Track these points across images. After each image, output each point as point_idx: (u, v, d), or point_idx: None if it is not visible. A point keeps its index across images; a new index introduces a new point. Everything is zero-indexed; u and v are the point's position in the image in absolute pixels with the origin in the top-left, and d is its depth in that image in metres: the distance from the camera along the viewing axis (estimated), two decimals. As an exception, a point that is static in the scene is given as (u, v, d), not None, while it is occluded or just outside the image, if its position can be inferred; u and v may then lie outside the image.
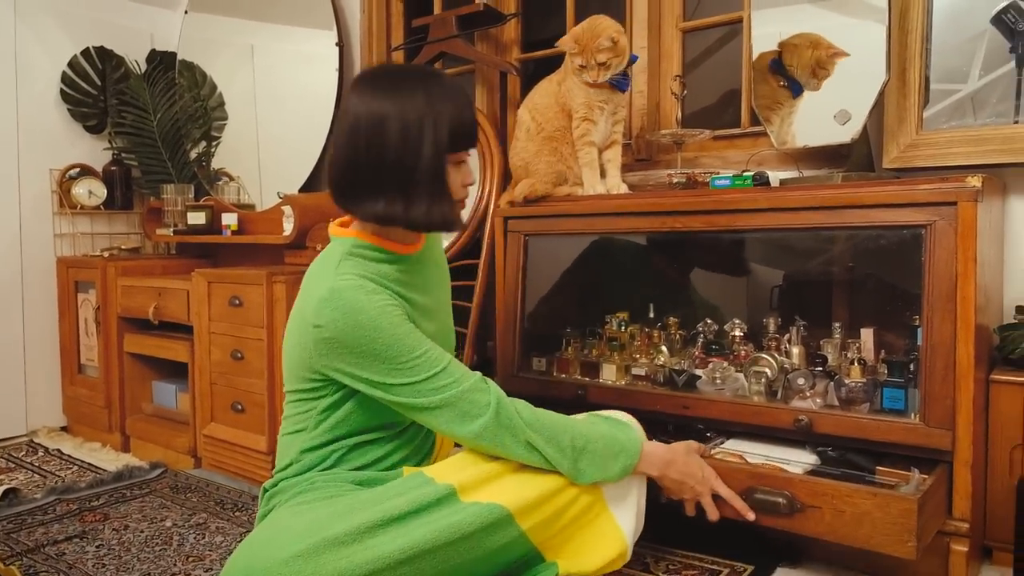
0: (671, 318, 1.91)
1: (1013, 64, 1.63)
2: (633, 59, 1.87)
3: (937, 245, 1.32)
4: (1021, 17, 1.62)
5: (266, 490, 1.39)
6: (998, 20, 1.64)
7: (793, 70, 1.84)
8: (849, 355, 1.61)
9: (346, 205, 1.30)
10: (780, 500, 1.27)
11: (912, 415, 1.40)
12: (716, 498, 1.35)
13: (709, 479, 1.35)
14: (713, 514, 1.36)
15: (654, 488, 1.37)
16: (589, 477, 1.24)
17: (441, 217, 1.27)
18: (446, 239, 2.34)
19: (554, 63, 2.48)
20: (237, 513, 2.27)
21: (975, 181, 1.31)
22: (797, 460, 1.45)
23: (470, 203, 2.27)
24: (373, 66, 1.45)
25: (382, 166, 1.23)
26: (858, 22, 1.70)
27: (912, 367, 1.46)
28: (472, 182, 1.33)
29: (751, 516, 1.32)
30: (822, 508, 1.24)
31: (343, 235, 1.33)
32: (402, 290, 1.31)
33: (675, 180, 1.84)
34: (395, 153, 1.22)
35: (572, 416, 1.36)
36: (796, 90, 1.85)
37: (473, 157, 2.31)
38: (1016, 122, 1.58)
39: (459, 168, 1.30)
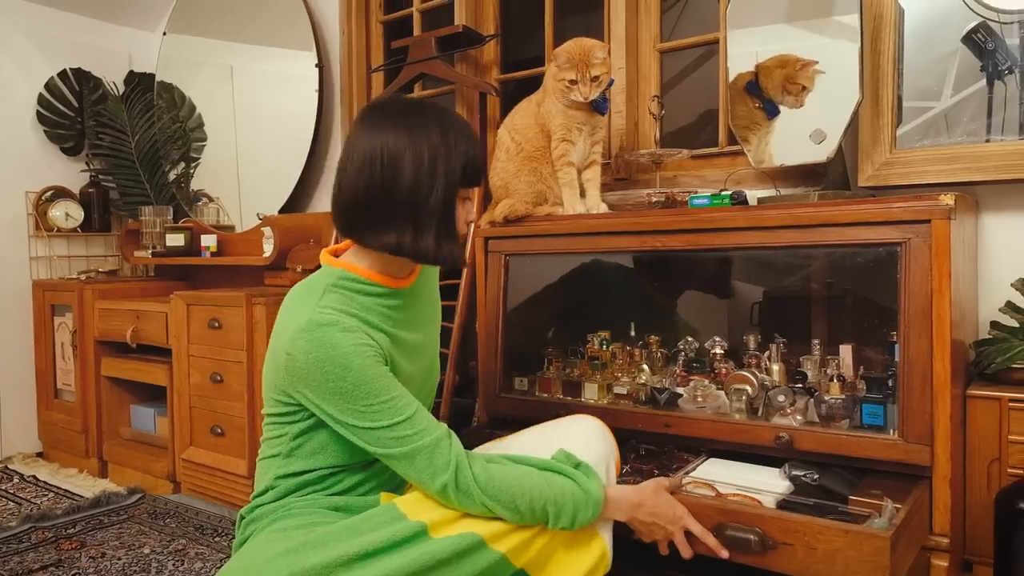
0: (652, 336, 1.91)
1: (984, 83, 1.66)
2: (610, 82, 1.88)
3: (912, 262, 1.34)
4: (991, 37, 1.66)
5: (243, 516, 1.38)
6: (968, 39, 1.68)
7: (768, 91, 1.87)
8: (828, 372, 1.63)
9: (355, 234, 1.30)
10: (751, 537, 1.25)
11: (891, 431, 1.41)
12: (689, 535, 1.32)
13: (681, 517, 1.31)
14: (686, 552, 1.32)
15: (626, 527, 1.35)
16: (552, 528, 1.23)
17: (449, 253, 1.29)
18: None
19: (533, 83, 2.49)
20: (217, 538, 2.24)
21: (948, 199, 1.32)
22: (770, 489, 1.44)
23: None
24: (382, 98, 1.49)
25: (394, 199, 1.24)
26: (832, 42, 1.73)
27: (890, 383, 1.47)
28: (474, 220, 1.34)
29: (725, 554, 1.29)
30: (794, 545, 1.22)
31: (333, 264, 1.33)
32: (386, 325, 1.30)
33: (654, 199, 1.85)
34: (409, 187, 1.24)
35: (535, 444, 1.34)
36: (771, 111, 1.87)
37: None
38: (987, 140, 1.62)
39: (464, 205, 1.32)
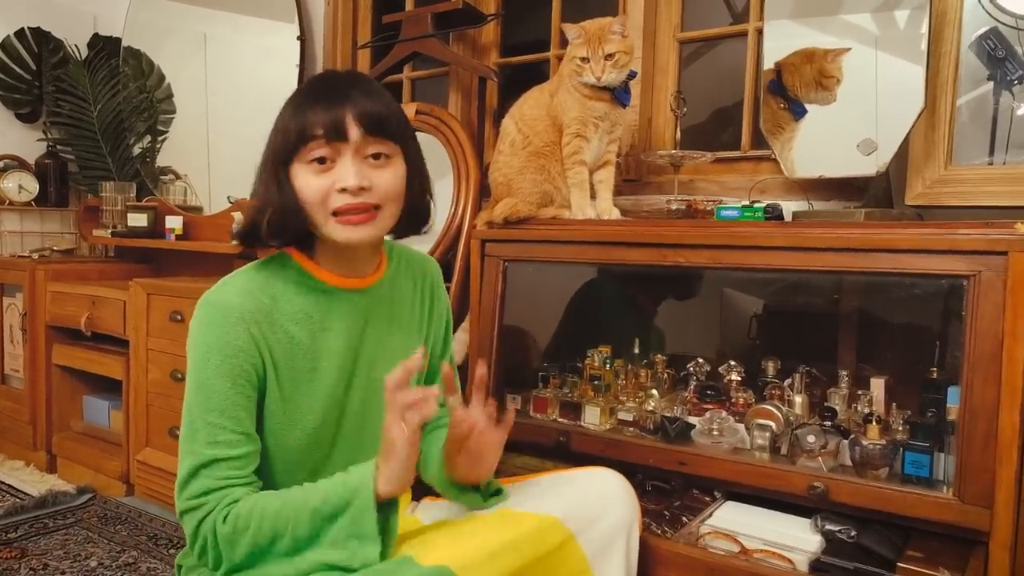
0: (658, 356, 1.74)
1: (983, 91, 1.50)
2: (632, 75, 1.69)
3: (982, 298, 1.17)
4: (1001, 43, 1.50)
5: (180, 565, 1.17)
6: (977, 45, 1.51)
7: (796, 90, 1.70)
8: (860, 408, 1.47)
9: None
10: (788, 608, 1.10)
11: (944, 488, 1.25)
12: None
13: None
14: None
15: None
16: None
17: (277, 224, 1.07)
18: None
19: (533, 69, 2.31)
20: (172, 551, 2.06)
21: (1025, 228, 1.16)
22: (800, 546, 1.28)
23: (441, 220, 2.07)
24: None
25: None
26: (880, 47, 1.56)
27: (937, 429, 1.32)
28: (348, 187, 1.04)
29: None
30: (839, 619, 1.07)
31: (284, 249, 1.15)
32: (296, 328, 1.09)
33: (674, 207, 1.67)
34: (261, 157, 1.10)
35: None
36: (799, 112, 1.71)
37: (447, 170, 2.13)
38: (991, 163, 1.45)
39: (315, 170, 1.05)
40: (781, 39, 1.71)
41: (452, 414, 1.06)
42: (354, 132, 1.03)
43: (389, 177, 1.07)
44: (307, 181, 1.04)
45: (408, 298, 1.24)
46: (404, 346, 1.22)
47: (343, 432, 1.15)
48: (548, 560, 1.06)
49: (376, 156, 1.06)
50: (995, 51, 1.51)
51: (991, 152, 1.50)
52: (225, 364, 1.02)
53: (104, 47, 3.21)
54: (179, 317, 2.25)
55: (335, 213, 1.05)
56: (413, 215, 1.15)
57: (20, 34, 3.07)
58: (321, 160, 1.04)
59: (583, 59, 1.65)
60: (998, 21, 1.50)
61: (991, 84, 1.51)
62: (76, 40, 3.21)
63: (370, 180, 1.05)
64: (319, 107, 1.03)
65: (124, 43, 3.16)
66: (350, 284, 1.14)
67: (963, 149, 1.51)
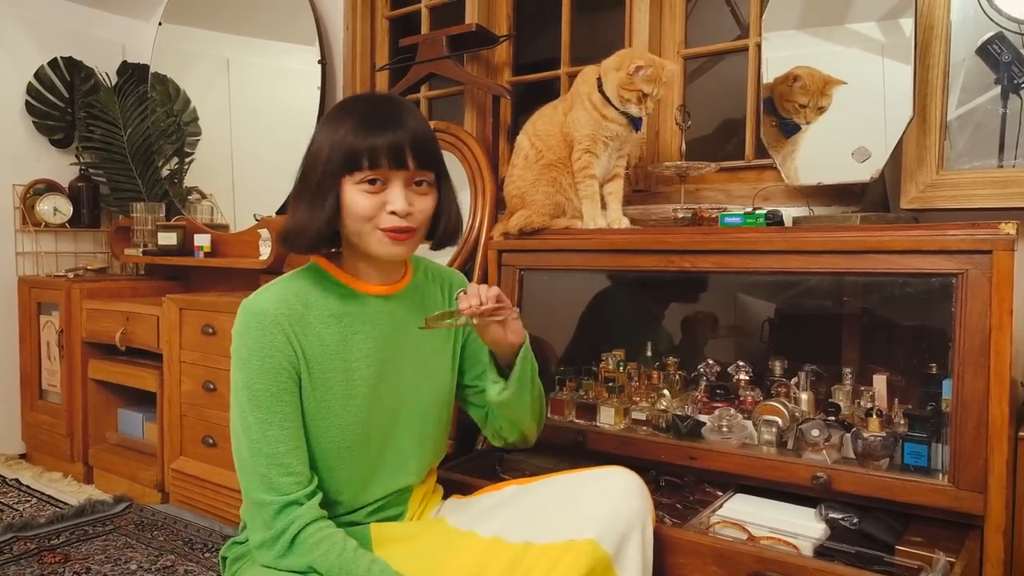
0: (670, 358, 1.81)
1: (990, 95, 1.56)
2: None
3: (970, 296, 1.24)
4: (1006, 48, 1.56)
5: (224, 557, 1.26)
6: (983, 51, 1.57)
7: (785, 112, 1.77)
8: (863, 403, 1.53)
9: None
10: (791, 588, 1.17)
11: (940, 475, 1.31)
12: None
13: None
14: None
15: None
16: None
17: (304, 228, 1.16)
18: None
19: (546, 87, 2.40)
20: (207, 555, 2.14)
21: (1009, 228, 1.23)
22: (806, 533, 1.35)
23: (460, 233, 2.16)
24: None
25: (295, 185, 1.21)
26: (874, 56, 1.63)
27: (934, 420, 1.38)
28: (396, 210, 1.14)
29: None
30: (839, 600, 1.13)
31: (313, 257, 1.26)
32: (327, 331, 1.18)
33: (680, 215, 1.74)
34: (300, 171, 1.20)
35: None
36: (789, 129, 1.77)
37: (464, 184, 2.22)
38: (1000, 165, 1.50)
39: (366, 189, 1.13)
40: (785, 49, 1.78)
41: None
42: (411, 162, 1.14)
43: (428, 203, 1.18)
44: (356, 199, 1.13)
45: (437, 303, 1.33)
46: (433, 349, 1.30)
47: (375, 432, 1.22)
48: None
49: (419, 183, 1.17)
50: (1001, 55, 1.56)
51: (1000, 154, 1.55)
52: (266, 363, 1.12)
53: (133, 74, 3.33)
54: (210, 330, 2.35)
55: (380, 229, 1.15)
56: (453, 229, 1.25)
57: (53, 64, 3.19)
58: (372, 181, 1.13)
59: (644, 94, 1.72)
60: (1001, 27, 1.55)
61: (998, 88, 1.56)
62: (106, 68, 3.34)
63: (413, 205, 1.16)
64: (383, 133, 1.12)
65: (152, 70, 3.28)
66: (378, 290, 1.23)
67: (972, 153, 1.56)
